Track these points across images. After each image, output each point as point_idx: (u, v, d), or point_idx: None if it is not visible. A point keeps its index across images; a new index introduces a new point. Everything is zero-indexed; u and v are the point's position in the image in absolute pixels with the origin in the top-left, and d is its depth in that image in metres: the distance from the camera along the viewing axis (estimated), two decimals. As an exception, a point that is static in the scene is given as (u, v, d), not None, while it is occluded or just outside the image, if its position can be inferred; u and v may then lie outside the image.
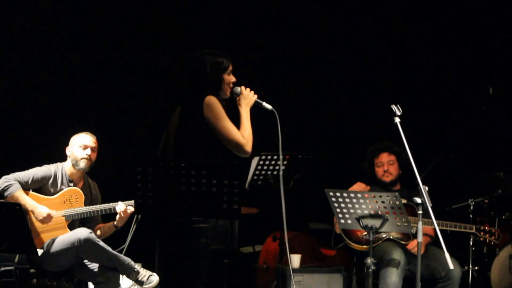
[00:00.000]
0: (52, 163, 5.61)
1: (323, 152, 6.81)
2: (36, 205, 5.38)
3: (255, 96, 4.45)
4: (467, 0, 7.56)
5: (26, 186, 5.43)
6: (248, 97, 4.41)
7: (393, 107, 4.67)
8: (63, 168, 5.58)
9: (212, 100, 4.25)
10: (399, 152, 6.08)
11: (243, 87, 4.44)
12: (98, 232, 5.57)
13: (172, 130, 4.35)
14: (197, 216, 4.08)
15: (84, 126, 5.81)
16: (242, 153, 4.23)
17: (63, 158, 5.64)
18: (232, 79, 4.44)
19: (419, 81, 7.72)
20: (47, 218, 5.37)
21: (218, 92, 4.36)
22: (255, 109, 4.45)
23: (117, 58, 7.25)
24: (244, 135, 4.25)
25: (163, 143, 4.39)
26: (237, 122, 4.32)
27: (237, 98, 4.42)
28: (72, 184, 5.56)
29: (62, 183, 5.54)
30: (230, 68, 4.42)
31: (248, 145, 4.24)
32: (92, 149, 5.59)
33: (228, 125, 4.23)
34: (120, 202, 5.44)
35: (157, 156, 4.36)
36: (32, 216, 5.38)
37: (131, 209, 5.38)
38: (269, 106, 4.46)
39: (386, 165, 6.13)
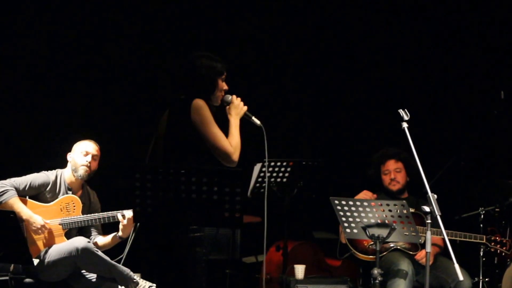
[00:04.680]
0: (51, 169, 5.63)
1: (328, 158, 6.80)
2: (31, 214, 5.38)
3: (245, 107, 4.44)
4: (477, 3, 7.56)
5: (23, 193, 5.44)
6: (238, 107, 4.40)
7: (401, 111, 4.68)
8: (63, 175, 5.58)
9: (200, 103, 4.21)
10: (406, 158, 6.07)
11: (234, 96, 4.43)
12: (100, 244, 5.56)
13: (161, 134, 4.33)
14: (197, 225, 4.08)
15: (84, 133, 5.83)
16: (228, 162, 4.19)
17: (63, 165, 5.66)
18: (225, 86, 4.41)
19: (427, 85, 7.71)
20: (41, 229, 5.37)
21: (210, 97, 4.34)
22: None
23: (118, 65, 7.26)
24: (232, 143, 4.22)
25: (151, 147, 4.37)
26: (226, 131, 4.27)
27: (227, 106, 4.41)
28: (70, 192, 5.57)
29: (60, 191, 5.54)
30: (225, 74, 4.41)
31: (235, 155, 4.21)
32: (94, 157, 5.59)
33: (215, 131, 4.19)
34: (125, 211, 5.44)
35: (145, 162, 4.34)
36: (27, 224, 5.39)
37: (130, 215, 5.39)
38: (257, 122, 4.46)
39: (393, 173, 6.12)
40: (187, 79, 4.37)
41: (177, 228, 4.10)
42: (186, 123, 4.20)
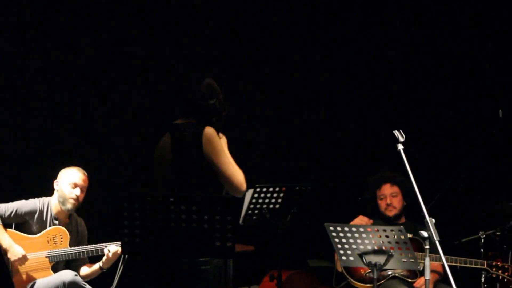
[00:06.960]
0: (38, 197, 5.62)
1: (322, 183, 6.80)
2: (11, 244, 5.35)
3: None
4: (474, 20, 7.60)
5: (8, 220, 5.43)
6: None
7: (396, 133, 4.69)
8: (50, 204, 5.57)
9: (211, 132, 4.12)
10: (402, 182, 6.07)
11: None
12: (83, 273, 5.55)
13: (162, 162, 4.27)
14: (187, 255, 4.05)
15: (71, 159, 5.83)
16: (238, 192, 4.13)
17: (49, 190, 5.65)
18: None
19: (423, 105, 7.73)
20: (22, 260, 5.35)
21: (218, 125, 4.29)
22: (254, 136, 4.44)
23: (107, 89, 7.28)
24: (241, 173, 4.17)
25: (154, 176, 4.33)
26: None
27: None
28: (57, 222, 5.56)
29: (47, 221, 5.53)
30: None
31: (245, 185, 4.17)
32: (82, 189, 5.59)
33: (230, 160, 4.14)
34: (112, 244, 5.43)
35: (149, 192, 4.29)
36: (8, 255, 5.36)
37: (119, 250, 5.39)
38: None
39: (389, 198, 6.12)
40: (197, 102, 4.25)
41: (171, 259, 4.07)
42: (198, 154, 4.11)
